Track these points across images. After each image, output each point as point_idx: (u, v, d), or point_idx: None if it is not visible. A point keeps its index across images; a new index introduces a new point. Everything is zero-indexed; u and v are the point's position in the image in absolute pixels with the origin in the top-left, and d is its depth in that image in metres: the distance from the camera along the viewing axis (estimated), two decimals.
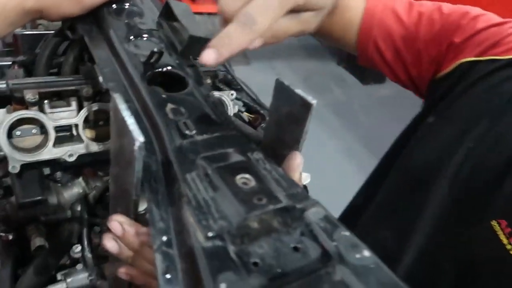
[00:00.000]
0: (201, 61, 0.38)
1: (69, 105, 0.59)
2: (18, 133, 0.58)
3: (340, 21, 0.78)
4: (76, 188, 0.66)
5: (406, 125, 0.81)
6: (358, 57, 0.81)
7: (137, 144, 0.29)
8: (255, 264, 0.28)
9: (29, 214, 0.61)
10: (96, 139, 0.62)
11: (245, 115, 0.78)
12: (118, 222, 0.37)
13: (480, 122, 0.65)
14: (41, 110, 0.58)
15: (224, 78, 0.72)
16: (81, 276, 0.61)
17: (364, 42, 0.78)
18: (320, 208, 0.32)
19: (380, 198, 0.77)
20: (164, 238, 0.30)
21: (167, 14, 0.55)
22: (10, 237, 0.65)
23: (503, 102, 0.64)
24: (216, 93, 0.65)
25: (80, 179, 0.67)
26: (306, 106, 0.38)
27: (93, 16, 0.59)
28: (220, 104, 0.46)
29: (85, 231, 0.65)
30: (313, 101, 0.38)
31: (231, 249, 0.28)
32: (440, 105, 0.70)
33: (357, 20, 0.77)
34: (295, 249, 0.30)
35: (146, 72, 0.46)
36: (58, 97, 0.60)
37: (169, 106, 0.42)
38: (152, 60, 0.46)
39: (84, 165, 0.67)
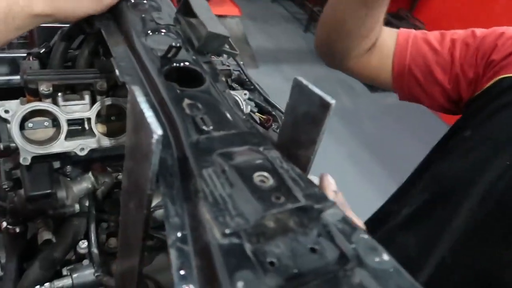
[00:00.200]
0: None
1: (82, 98, 0.59)
2: (30, 125, 0.57)
3: (374, 59, 0.83)
4: (85, 183, 0.66)
5: (442, 136, 0.82)
6: (397, 91, 0.85)
7: (155, 137, 0.28)
8: (272, 263, 0.27)
9: (37, 207, 0.61)
10: (108, 134, 0.61)
11: (257, 116, 0.78)
12: None
13: None
14: (55, 102, 0.58)
15: (237, 78, 0.71)
16: (87, 272, 0.61)
17: (400, 73, 0.81)
18: (338, 209, 0.32)
19: (409, 206, 0.77)
20: (179, 234, 0.30)
21: (185, 9, 0.55)
22: (17, 230, 0.64)
23: None
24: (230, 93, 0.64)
25: (90, 174, 0.67)
26: (324, 106, 0.37)
27: (111, 10, 0.59)
28: (236, 102, 0.46)
29: (92, 226, 0.64)
30: (332, 101, 0.37)
31: (248, 247, 0.27)
32: (477, 119, 0.70)
33: (390, 54, 0.80)
34: (312, 250, 0.29)
35: (163, 66, 0.46)
36: (72, 91, 0.60)
37: (186, 101, 0.41)
38: (169, 55, 0.46)
39: (94, 160, 0.67)
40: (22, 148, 0.55)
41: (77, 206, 0.64)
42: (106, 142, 0.60)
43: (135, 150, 0.34)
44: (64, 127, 0.57)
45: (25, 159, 0.55)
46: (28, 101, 0.56)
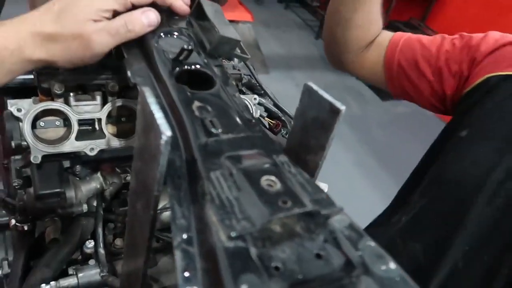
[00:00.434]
0: None
1: (94, 99, 0.59)
2: (42, 124, 0.58)
3: (371, 56, 0.89)
4: (93, 183, 0.66)
5: (435, 139, 0.83)
6: (389, 87, 0.89)
7: (164, 138, 0.29)
8: (277, 268, 0.27)
9: (46, 205, 0.61)
10: (118, 135, 0.62)
11: (266, 121, 0.78)
12: None
13: None
14: (66, 102, 0.58)
15: (248, 82, 0.71)
16: (93, 272, 0.61)
17: (390, 66, 0.86)
18: (345, 216, 0.32)
19: (409, 212, 0.77)
20: (185, 236, 0.30)
21: (198, 13, 0.55)
22: (26, 227, 0.65)
23: None
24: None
25: (98, 174, 0.67)
26: (334, 112, 0.37)
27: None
28: (246, 106, 0.46)
29: (99, 227, 0.65)
30: (342, 107, 0.37)
31: (253, 251, 0.27)
32: (472, 118, 0.71)
33: (383, 51, 0.87)
34: (318, 256, 0.29)
35: (174, 69, 0.46)
36: (84, 91, 0.60)
37: (196, 103, 0.41)
38: (181, 57, 0.46)
39: (103, 161, 0.67)
40: (33, 146, 0.55)
41: (85, 206, 0.64)
42: (116, 143, 0.61)
43: (143, 151, 0.34)
44: (75, 127, 0.57)
45: (35, 157, 0.56)
46: (41, 101, 0.57)
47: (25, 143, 0.56)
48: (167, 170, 0.36)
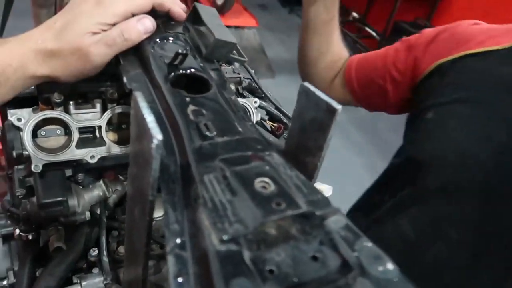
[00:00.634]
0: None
1: (93, 106, 0.60)
2: (43, 133, 0.58)
3: (338, 82, 1.03)
4: (96, 191, 0.66)
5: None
6: (358, 104, 1.01)
7: (155, 142, 0.28)
8: (271, 271, 0.27)
9: (49, 214, 0.62)
10: (119, 142, 0.62)
11: (268, 124, 0.77)
12: None
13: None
14: (66, 111, 0.58)
15: (248, 86, 0.71)
16: (97, 280, 0.61)
17: (352, 89, 0.98)
18: (341, 216, 0.31)
19: (397, 192, 0.84)
20: (178, 241, 0.29)
21: (194, 18, 0.55)
22: (30, 237, 0.65)
23: (497, 84, 0.74)
24: (240, 100, 0.64)
25: (101, 182, 0.67)
26: (331, 112, 0.37)
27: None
28: (243, 109, 0.46)
29: (103, 234, 0.65)
30: (338, 107, 0.37)
31: (247, 254, 0.27)
32: (436, 101, 0.80)
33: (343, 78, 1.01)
34: (314, 258, 0.28)
35: (169, 73, 0.46)
36: (84, 99, 0.60)
37: (191, 107, 0.41)
38: (176, 62, 0.46)
39: (106, 168, 0.67)
40: (34, 155, 0.55)
41: (87, 214, 0.64)
42: (116, 150, 0.60)
43: (138, 156, 0.34)
44: (75, 135, 0.57)
45: (36, 166, 0.56)
46: (41, 110, 0.57)
47: (26, 152, 0.56)
48: (162, 175, 0.36)
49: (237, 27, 3.59)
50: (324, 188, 0.73)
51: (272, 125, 0.77)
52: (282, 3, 5.34)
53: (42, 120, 0.56)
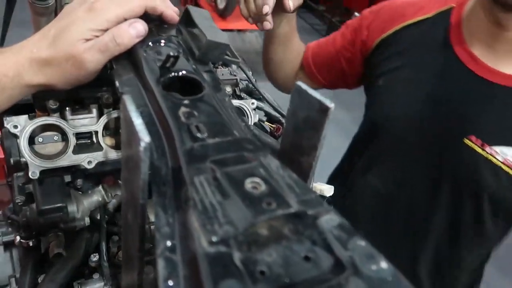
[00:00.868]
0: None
1: (90, 112, 0.60)
2: (40, 139, 0.58)
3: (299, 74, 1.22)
4: (96, 196, 0.66)
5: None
6: (317, 80, 1.15)
7: (142, 144, 0.28)
8: (262, 272, 0.26)
9: (49, 220, 0.62)
10: (116, 147, 0.62)
11: (267, 125, 0.77)
12: None
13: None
14: (63, 116, 0.58)
15: (246, 88, 0.71)
16: (97, 286, 0.60)
17: (310, 72, 1.13)
18: (334, 215, 0.30)
19: (366, 152, 1.00)
20: (168, 243, 0.29)
21: (187, 20, 0.55)
22: (30, 243, 0.65)
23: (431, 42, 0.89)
24: (237, 102, 0.64)
25: (100, 187, 0.67)
26: (323, 110, 0.37)
27: None
28: (237, 110, 0.45)
29: (103, 240, 0.65)
30: (331, 105, 0.36)
31: (237, 255, 0.26)
32: (384, 69, 0.94)
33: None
34: (306, 258, 0.28)
35: (161, 76, 0.46)
36: (80, 104, 0.60)
37: (182, 109, 0.41)
38: (168, 64, 0.46)
39: (105, 174, 0.67)
40: (31, 162, 0.55)
41: (87, 219, 0.64)
42: (113, 154, 0.60)
43: (128, 160, 0.34)
44: (72, 141, 0.57)
45: (33, 173, 0.56)
46: (38, 116, 0.57)
47: (24, 159, 0.56)
48: (153, 177, 0.35)
49: (239, 30, 3.60)
50: (325, 188, 0.72)
51: (271, 126, 0.76)
52: None
53: (39, 127, 0.56)
